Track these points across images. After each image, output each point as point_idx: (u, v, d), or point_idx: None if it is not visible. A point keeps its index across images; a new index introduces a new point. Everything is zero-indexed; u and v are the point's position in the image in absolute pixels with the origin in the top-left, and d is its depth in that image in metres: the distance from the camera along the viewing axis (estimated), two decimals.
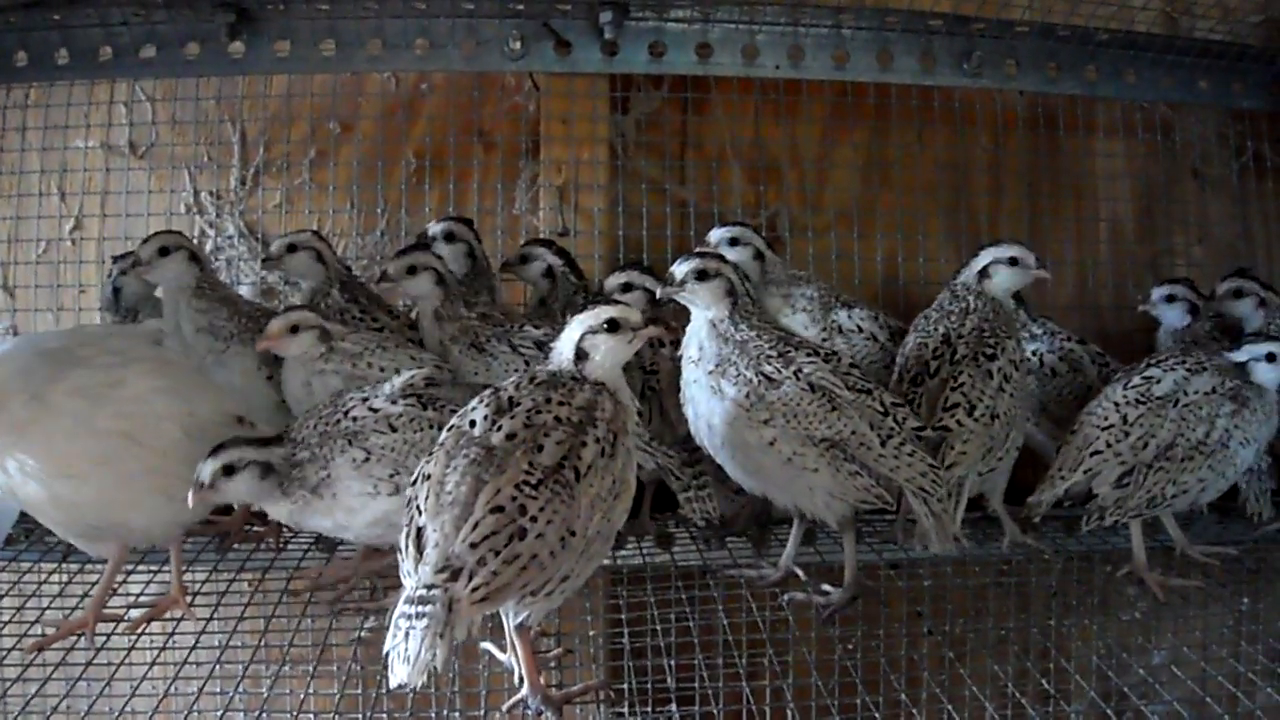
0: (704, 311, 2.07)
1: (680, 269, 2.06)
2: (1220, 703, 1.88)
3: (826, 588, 2.16)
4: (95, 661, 1.92)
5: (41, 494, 1.91)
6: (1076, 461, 2.21)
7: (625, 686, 1.91)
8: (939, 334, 2.25)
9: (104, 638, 1.98)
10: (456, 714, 1.88)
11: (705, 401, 2.06)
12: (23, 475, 1.89)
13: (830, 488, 2.03)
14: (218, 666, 1.93)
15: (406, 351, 2.29)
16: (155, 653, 1.95)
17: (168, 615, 2.07)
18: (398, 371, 2.06)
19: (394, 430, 1.92)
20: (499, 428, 1.62)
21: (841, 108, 2.99)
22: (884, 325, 2.57)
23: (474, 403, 1.69)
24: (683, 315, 2.14)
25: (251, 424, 2.10)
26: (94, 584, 2.09)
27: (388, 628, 1.47)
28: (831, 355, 2.08)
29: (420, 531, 1.53)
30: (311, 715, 2.12)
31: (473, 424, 1.65)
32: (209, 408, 2.06)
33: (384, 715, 1.92)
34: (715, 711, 1.79)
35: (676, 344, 2.17)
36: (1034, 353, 2.62)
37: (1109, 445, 2.19)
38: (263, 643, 2.05)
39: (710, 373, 2.05)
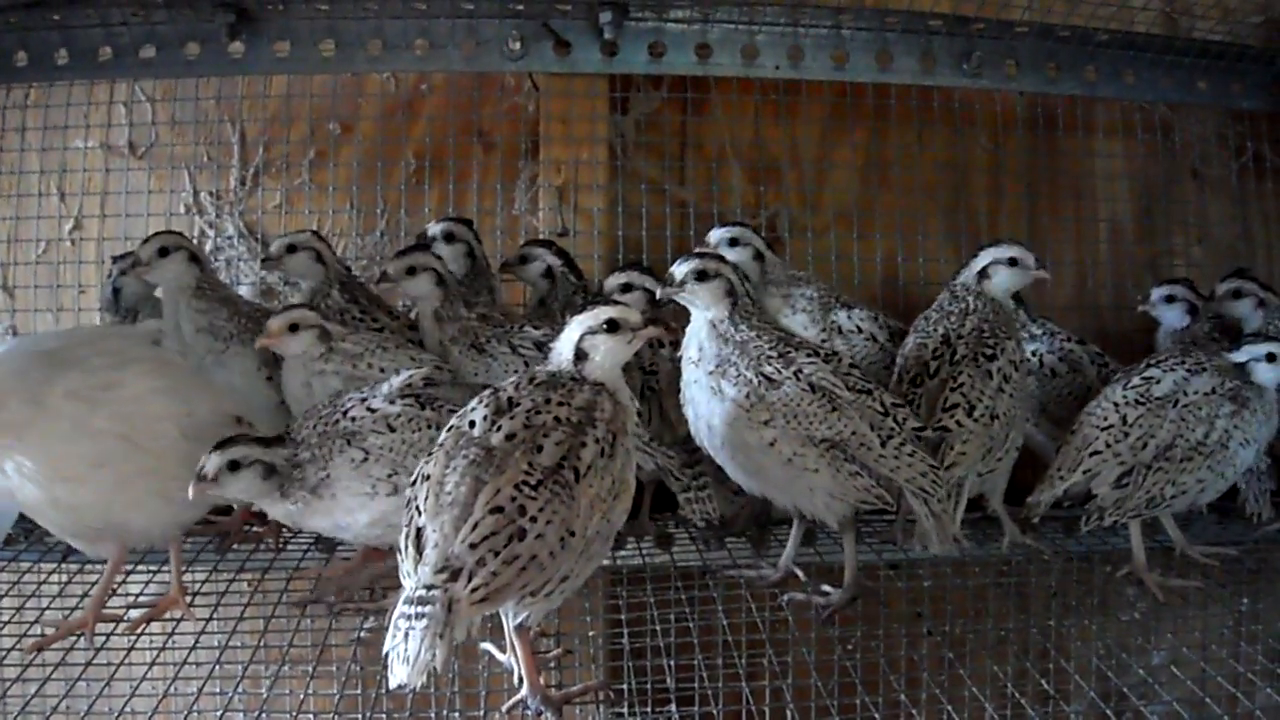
0: (704, 312, 2.07)
1: (680, 269, 2.05)
2: (1220, 703, 1.87)
3: (826, 588, 2.16)
4: (95, 662, 1.92)
5: (40, 496, 1.91)
6: (1075, 462, 2.21)
7: (625, 687, 1.91)
8: (939, 334, 2.25)
9: (103, 638, 1.98)
10: (456, 714, 1.88)
11: (705, 402, 2.06)
12: (20, 477, 1.89)
13: (830, 488, 2.03)
14: (217, 667, 1.92)
15: (406, 352, 2.29)
16: (155, 653, 1.95)
17: (167, 615, 2.07)
18: (397, 372, 2.06)
19: (392, 430, 1.92)
20: (498, 428, 1.62)
21: (841, 108, 2.99)
22: (884, 326, 2.56)
23: (473, 403, 1.69)
24: (682, 316, 2.14)
25: (250, 425, 2.10)
26: (93, 584, 2.09)
27: (387, 628, 1.47)
28: (832, 356, 2.08)
29: (420, 532, 1.54)
30: (311, 715, 2.12)
31: (472, 424, 1.65)
32: (207, 408, 2.06)
33: (383, 716, 1.92)
34: (715, 712, 1.79)
35: (676, 344, 2.17)
36: (1034, 353, 2.62)
37: (1108, 445, 2.19)
38: (262, 643, 2.04)
39: (710, 373, 2.05)
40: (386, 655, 1.45)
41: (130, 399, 1.96)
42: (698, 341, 2.08)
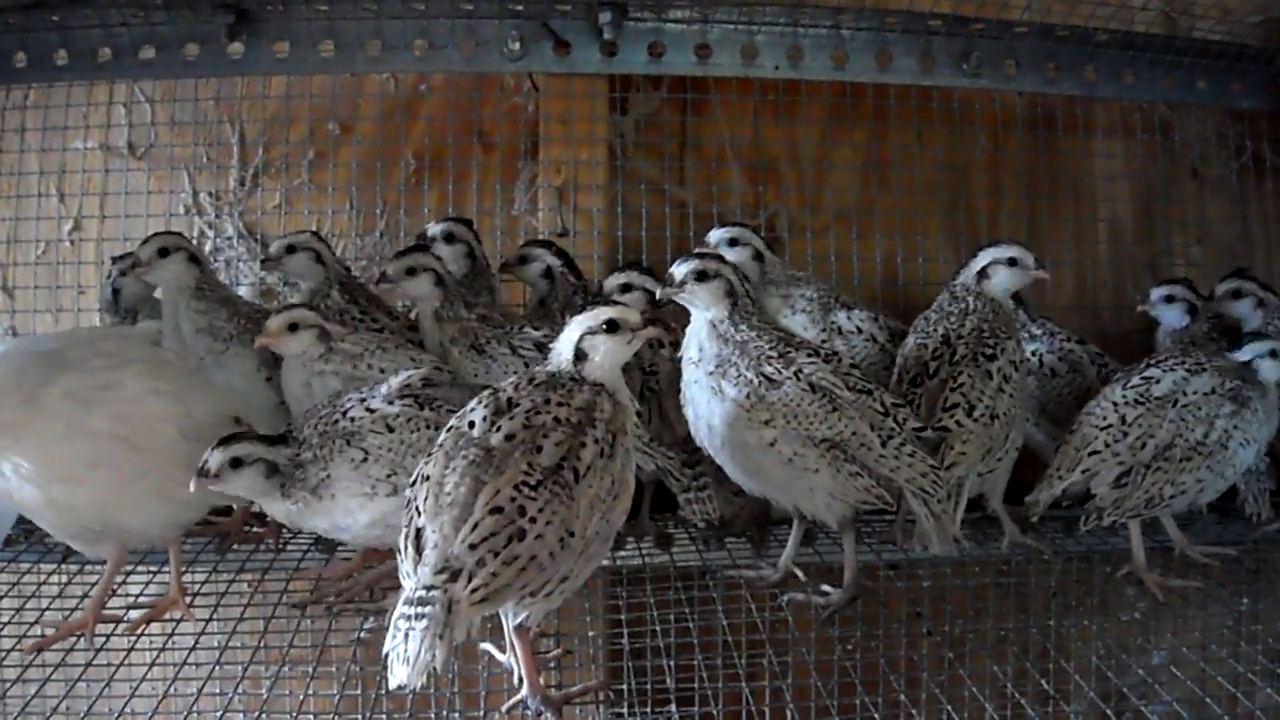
0: (704, 312, 2.07)
1: (679, 270, 2.05)
2: (1220, 703, 1.87)
3: (826, 588, 2.16)
4: (95, 662, 1.92)
5: (38, 497, 1.90)
6: (1074, 461, 2.21)
7: (625, 687, 1.91)
8: (938, 335, 2.26)
9: (103, 638, 1.98)
10: (456, 714, 1.88)
11: (705, 402, 2.06)
12: (19, 478, 1.88)
13: (831, 488, 2.03)
14: (217, 667, 1.92)
15: (406, 353, 2.28)
16: (155, 653, 1.95)
17: (167, 616, 2.07)
18: (396, 373, 2.06)
19: (391, 431, 1.92)
20: (498, 428, 1.62)
21: (840, 108, 2.99)
22: (883, 326, 2.57)
23: (473, 404, 1.69)
24: (682, 316, 2.14)
25: (249, 425, 2.10)
26: (93, 585, 2.09)
27: (387, 629, 1.47)
28: (832, 356, 2.08)
29: (419, 532, 1.53)
30: (311, 716, 2.11)
31: (471, 425, 1.65)
32: (205, 409, 2.06)
33: (383, 716, 1.93)
34: (715, 712, 1.79)
35: (676, 345, 2.17)
36: (1033, 353, 2.62)
37: (1107, 445, 2.19)
38: (262, 644, 2.04)
39: (710, 373, 2.05)
40: (386, 656, 1.45)
41: (128, 399, 1.96)
42: (698, 342, 2.08)
